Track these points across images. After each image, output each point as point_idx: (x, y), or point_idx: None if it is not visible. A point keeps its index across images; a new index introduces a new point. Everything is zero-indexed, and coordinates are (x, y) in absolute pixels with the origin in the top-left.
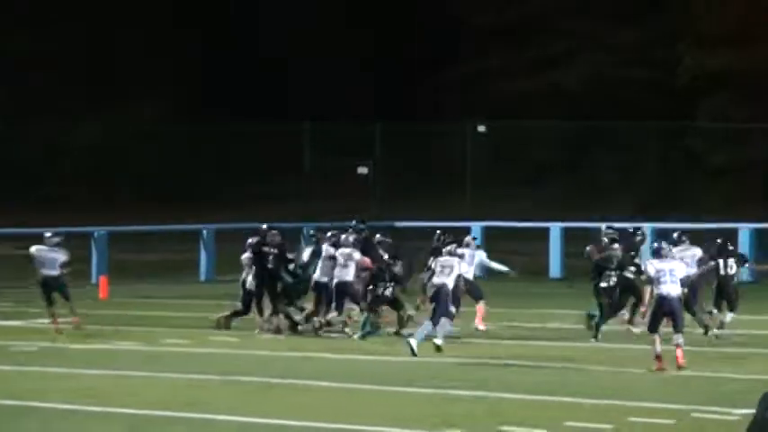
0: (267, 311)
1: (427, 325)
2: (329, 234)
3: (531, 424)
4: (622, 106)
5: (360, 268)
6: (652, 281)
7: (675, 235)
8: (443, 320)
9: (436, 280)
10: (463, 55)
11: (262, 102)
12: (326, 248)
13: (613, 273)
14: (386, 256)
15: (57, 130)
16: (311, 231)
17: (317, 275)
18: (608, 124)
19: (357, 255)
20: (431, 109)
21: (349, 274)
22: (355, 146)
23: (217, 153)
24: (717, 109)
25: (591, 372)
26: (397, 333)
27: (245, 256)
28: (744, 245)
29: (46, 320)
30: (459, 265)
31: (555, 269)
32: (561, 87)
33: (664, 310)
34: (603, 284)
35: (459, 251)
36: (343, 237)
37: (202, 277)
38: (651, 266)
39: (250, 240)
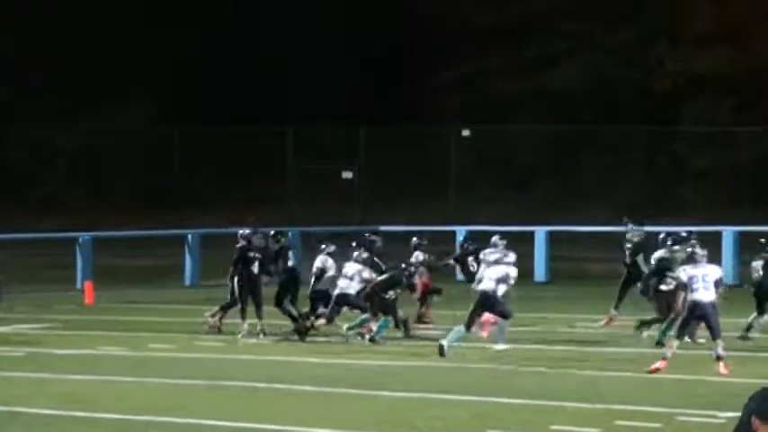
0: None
1: (460, 329)
2: (322, 246)
3: (516, 428)
4: (608, 109)
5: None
6: (685, 287)
7: (661, 237)
8: (505, 323)
9: (483, 286)
10: (449, 58)
11: (255, 104)
12: (325, 260)
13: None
14: (421, 258)
15: (48, 132)
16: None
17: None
18: (593, 127)
19: (366, 273)
20: (415, 112)
21: (353, 288)
22: (340, 149)
23: (203, 156)
24: (701, 112)
25: (576, 375)
26: (372, 340)
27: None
28: (728, 247)
29: (31, 326)
30: (508, 269)
31: (540, 273)
32: (546, 90)
33: (696, 314)
34: (663, 287)
35: (495, 256)
36: (356, 253)
37: (187, 282)
38: (684, 273)
39: (241, 232)
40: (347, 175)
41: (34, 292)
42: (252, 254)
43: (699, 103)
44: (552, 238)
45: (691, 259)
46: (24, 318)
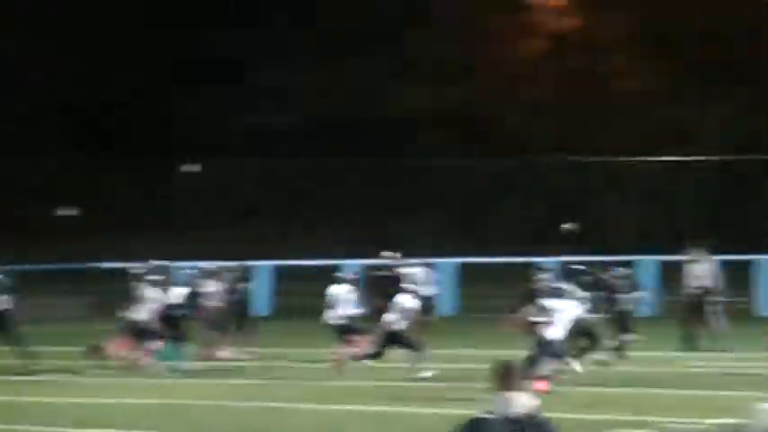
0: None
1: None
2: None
3: None
4: (339, 142)
5: None
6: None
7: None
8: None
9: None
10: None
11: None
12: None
13: None
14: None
15: None
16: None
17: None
18: (324, 160)
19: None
20: (138, 146)
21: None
22: (57, 186)
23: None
24: (430, 145)
25: (363, 411)
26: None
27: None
28: (449, 277)
29: None
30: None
31: (262, 307)
32: (275, 125)
33: (547, 351)
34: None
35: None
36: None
37: None
38: (543, 307)
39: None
40: (69, 212)
41: None
42: None
43: (429, 137)
44: (279, 273)
45: (554, 293)
46: None
